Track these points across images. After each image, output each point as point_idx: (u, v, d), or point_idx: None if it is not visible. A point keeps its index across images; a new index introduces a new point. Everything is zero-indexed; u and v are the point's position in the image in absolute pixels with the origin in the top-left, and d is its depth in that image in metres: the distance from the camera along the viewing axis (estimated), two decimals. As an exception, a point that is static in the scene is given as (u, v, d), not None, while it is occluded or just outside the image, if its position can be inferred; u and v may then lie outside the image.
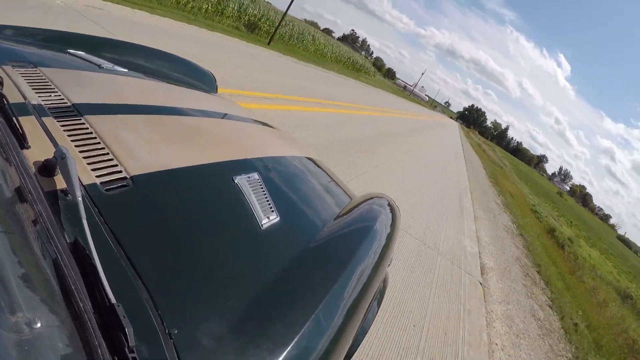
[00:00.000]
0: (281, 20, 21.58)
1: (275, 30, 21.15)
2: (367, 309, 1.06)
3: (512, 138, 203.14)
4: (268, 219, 1.02)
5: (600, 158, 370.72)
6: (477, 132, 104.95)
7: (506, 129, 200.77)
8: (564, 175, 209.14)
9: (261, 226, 0.98)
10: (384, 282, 1.47)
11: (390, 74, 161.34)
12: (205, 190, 1.00)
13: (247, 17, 21.54)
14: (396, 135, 12.80)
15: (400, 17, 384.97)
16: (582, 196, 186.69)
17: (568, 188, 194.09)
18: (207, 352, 0.61)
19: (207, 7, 17.70)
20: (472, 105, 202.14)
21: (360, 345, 1.47)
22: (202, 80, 2.12)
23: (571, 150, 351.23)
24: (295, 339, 0.71)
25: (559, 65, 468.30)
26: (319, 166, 1.79)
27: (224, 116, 1.61)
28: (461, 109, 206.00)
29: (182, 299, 0.67)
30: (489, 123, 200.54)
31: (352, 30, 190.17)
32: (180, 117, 1.29)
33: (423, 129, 22.22)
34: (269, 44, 18.96)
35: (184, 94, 1.66)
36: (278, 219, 1.05)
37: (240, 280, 0.80)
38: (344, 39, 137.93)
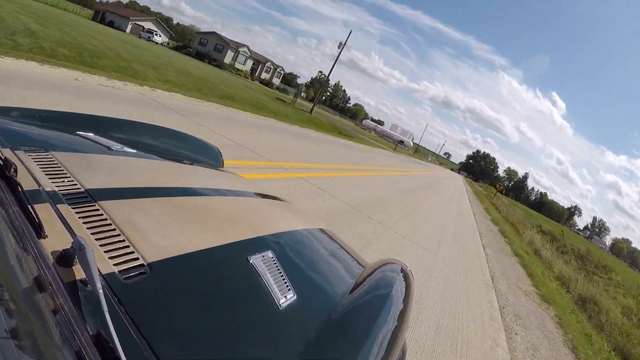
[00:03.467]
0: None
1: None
2: None
3: (533, 189, 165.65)
4: (285, 297, 1.02)
5: (606, 194, 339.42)
6: (492, 189, 68.11)
7: (524, 177, 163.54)
8: (598, 228, 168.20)
9: (279, 306, 0.98)
10: (403, 350, 1.42)
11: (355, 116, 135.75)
12: (221, 273, 1.02)
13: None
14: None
15: (392, 73, 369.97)
16: (630, 255, 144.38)
17: (608, 244, 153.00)
18: None
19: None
20: (478, 152, 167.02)
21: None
22: (209, 156, 2.20)
23: (576, 189, 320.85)
24: None
25: (554, 104, 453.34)
26: (330, 237, 1.80)
27: (233, 193, 1.67)
28: (464, 159, 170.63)
29: None
30: (501, 172, 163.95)
31: (320, 72, 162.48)
32: (191, 198, 1.33)
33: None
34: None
35: (192, 172, 1.73)
36: (295, 297, 1.06)
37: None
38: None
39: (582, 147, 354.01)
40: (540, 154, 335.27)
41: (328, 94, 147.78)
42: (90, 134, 1.53)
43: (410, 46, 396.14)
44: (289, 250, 1.33)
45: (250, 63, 65.93)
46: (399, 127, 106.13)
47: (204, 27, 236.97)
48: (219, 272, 1.00)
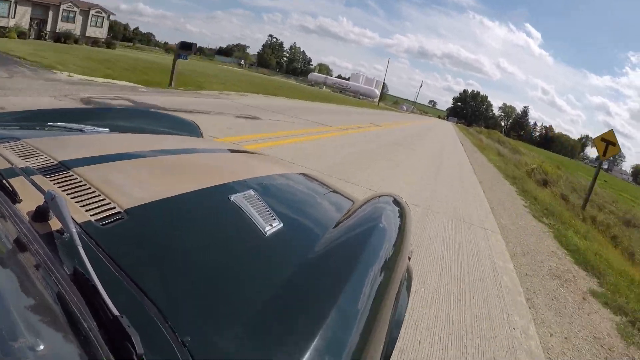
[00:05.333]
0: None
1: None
2: (393, 301, 1.03)
3: (535, 124, 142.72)
4: (271, 226, 1.01)
5: (596, 116, 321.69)
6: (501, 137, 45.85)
7: (524, 113, 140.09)
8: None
9: (265, 233, 0.97)
10: (408, 274, 1.40)
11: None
12: (202, 211, 1.01)
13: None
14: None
15: (364, 33, 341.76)
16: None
17: (630, 171, 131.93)
18: (225, 355, 0.60)
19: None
20: (465, 92, 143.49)
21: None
22: (187, 130, 2.16)
23: (566, 116, 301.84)
24: (318, 334, 0.69)
25: (529, 35, 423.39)
26: (315, 179, 1.80)
27: (209, 151, 1.67)
28: (451, 104, 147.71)
29: (193, 309, 0.67)
30: (496, 110, 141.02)
31: (270, 35, 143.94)
32: (166, 157, 1.33)
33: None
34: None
35: (168, 139, 1.75)
36: (281, 225, 1.04)
37: (251, 285, 0.80)
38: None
39: (565, 74, 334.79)
40: (524, 87, 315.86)
41: (285, 59, 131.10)
42: (62, 123, 1.54)
43: (377, 2, 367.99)
44: (271, 189, 1.35)
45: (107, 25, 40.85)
46: (362, 75, 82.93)
47: (167, 24, 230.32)
48: (199, 211, 1.00)
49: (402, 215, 1.50)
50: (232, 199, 1.06)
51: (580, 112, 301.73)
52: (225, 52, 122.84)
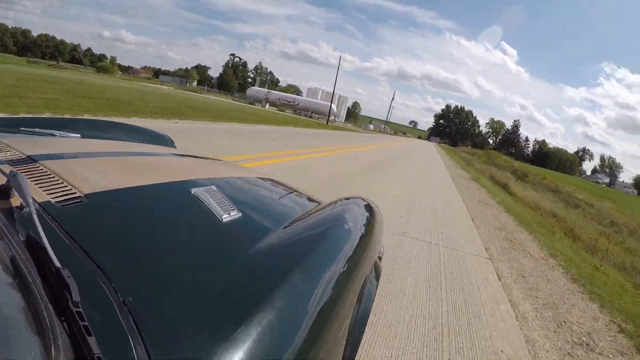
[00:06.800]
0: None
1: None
2: (354, 300, 1.00)
3: (527, 138, 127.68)
4: (229, 214, 1.01)
5: (574, 127, 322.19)
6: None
7: (515, 127, 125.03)
8: (609, 167, 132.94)
9: (221, 220, 0.97)
10: (377, 273, 1.38)
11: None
12: (162, 200, 1.03)
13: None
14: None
15: (343, 57, 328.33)
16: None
17: (632, 182, 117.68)
18: (166, 319, 0.60)
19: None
20: (448, 107, 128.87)
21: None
22: (161, 143, 2.13)
23: (545, 129, 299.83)
24: (254, 321, 0.65)
25: (505, 52, 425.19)
26: (278, 182, 1.79)
27: (175, 155, 1.67)
28: (432, 125, 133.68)
29: (138, 275, 0.68)
30: (482, 126, 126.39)
31: (232, 54, 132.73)
32: (132, 157, 1.35)
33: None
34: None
35: (139, 145, 1.74)
36: (240, 214, 1.04)
37: (199, 263, 0.79)
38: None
39: (542, 89, 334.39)
40: (502, 104, 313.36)
41: (249, 79, 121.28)
42: (35, 129, 1.56)
43: (356, 27, 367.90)
44: (234, 187, 1.36)
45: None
46: (320, 90, 66.79)
47: (149, 51, 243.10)
48: (159, 199, 1.02)
49: (371, 216, 1.49)
50: (192, 192, 1.06)
51: (558, 125, 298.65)
52: (184, 75, 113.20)
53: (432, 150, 35.55)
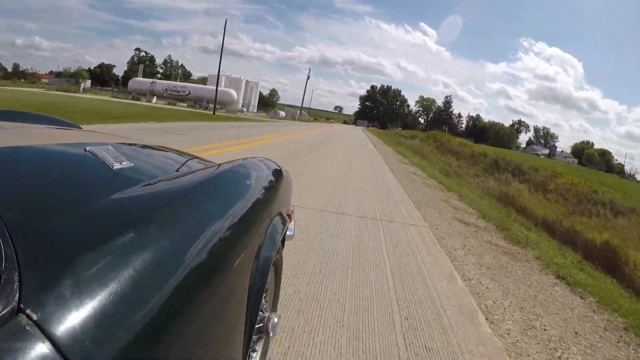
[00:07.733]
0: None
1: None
2: (246, 266, 0.98)
3: (459, 114, 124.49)
4: (120, 164, 1.01)
5: (498, 101, 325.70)
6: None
7: (447, 104, 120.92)
8: (544, 137, 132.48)
9: (112, 167, 0.97)
10: (275, 267, 1.41)
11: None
12: (54, 155, 1.03)
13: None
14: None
15: (264, 48, 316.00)
16: (605, 161, 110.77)
17: (570, 152, 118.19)
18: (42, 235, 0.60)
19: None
20: (373, 87, 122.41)
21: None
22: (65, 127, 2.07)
23: (469, 105, 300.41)
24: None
25: (425, 33, 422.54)
26: (181, 151, 1.80)
27: (82, 133, 1.64)
28: (358, 108, 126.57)
29: (21, 210, 0.66)
30: (411, 103, 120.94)
31: (137, 49, 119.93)
32: (32, 130, 1.39)
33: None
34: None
35: (38, 126, 1.67)
36: (133, 164, 1.05)
37: (85, 202, 0.77)
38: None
39: (463, 66, 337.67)
40: (426, 84, 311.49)
41: (159, 75, 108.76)
42: None
43: (276, 17, 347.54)
44: (130, 147, 1.36)
45: None
46: (224, 76, 55.34)
47: (66, 55, 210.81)
48: (51, 155, 1.02)
49: (274, 175, 1.49)
50: (88, 149, 1.05)
51: (482, 100, 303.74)
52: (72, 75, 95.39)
53: (358, 140, 26.37)
